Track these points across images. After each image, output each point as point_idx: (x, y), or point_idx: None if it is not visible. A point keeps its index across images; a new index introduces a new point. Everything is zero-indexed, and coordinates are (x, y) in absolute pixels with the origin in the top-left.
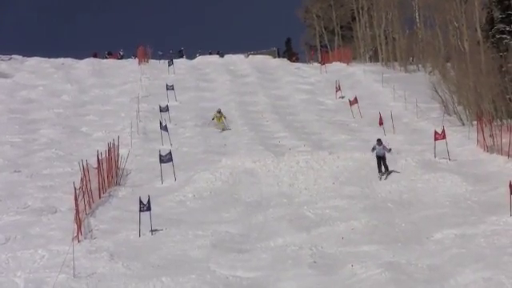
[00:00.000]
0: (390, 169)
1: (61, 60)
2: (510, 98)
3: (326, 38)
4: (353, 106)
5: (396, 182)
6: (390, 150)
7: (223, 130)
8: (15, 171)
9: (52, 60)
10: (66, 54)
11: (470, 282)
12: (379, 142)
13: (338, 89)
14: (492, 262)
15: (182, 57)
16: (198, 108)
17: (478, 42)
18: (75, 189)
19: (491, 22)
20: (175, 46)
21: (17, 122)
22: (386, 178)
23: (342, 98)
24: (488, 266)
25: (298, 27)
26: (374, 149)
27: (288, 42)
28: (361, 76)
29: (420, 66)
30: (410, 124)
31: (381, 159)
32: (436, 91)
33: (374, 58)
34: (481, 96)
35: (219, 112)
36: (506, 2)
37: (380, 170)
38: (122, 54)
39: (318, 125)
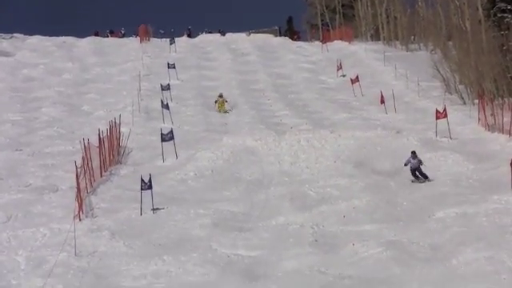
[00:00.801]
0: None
1: (62, 38)
2: (511, 77)
3: (327, 17)
4: (354, 85)
5: (397, 162)
6: (422, 162)
7: (225, 113)
8: (17, 150)
9: (53, 38)
10: (67, 32)
11: (471, 260)
12: (414, 154)
13: (340, 67)
14: (494, 240)
15: (189, 36)
16: (200, 86)
17: (480, 21)
18: (76, 167)
19: (492, 0)
20: (176, 25)
21: (18, 101)
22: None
23: (344, 76)
24: (490, 245)
25: (299, 6)
26: (408, 162)
27: (290, 20)
28: (362, 55)
29: (421, 44)
30: (411, 103)
31: (415, 171)
32: (437, 70)
33: (376, 37)
34: (482, 75)
35: (221, 96)
36: None
37: (415, 177)
38: (123, 32)
39: (320, 103)
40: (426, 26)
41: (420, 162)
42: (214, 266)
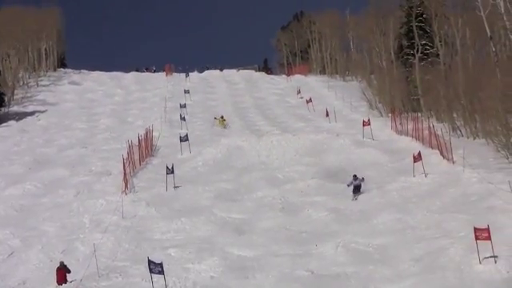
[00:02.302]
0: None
1: (114, 73)
2: (412, 99)
3: (290, 59)
4: (308, 104)
5: (337, 155)
6: (363, 178)
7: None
8: (83, 147)
9: (108, 73)
10: (117, 68)
11: (386, 220)
12: (355, 176)
13: (299, 92)
14: (401, 207)
15: (199, 72)
16: (206, 105)
17: (392, 61)
18: (123, 159)
19: (401, 48)
20: (188, 62)
21: (84, 114)
22: (357, 199)
23: (301, 98)
24: (398, 211)
25: (272, 51)
26: (351, 183)
27: (265, 61)
28: (314, 84)
29: (353, 77)
30: (346, 115)
31: (357, 187)
32: (364, 94)
33: (323, 72)
34: (393, 97)
35: (222, 117)
36: (411, 35)
37: (354, 193)
38: (154, 69)
39: (285, 116)
40: (356, 64)
41: (361, 179)
42: (215, 225)
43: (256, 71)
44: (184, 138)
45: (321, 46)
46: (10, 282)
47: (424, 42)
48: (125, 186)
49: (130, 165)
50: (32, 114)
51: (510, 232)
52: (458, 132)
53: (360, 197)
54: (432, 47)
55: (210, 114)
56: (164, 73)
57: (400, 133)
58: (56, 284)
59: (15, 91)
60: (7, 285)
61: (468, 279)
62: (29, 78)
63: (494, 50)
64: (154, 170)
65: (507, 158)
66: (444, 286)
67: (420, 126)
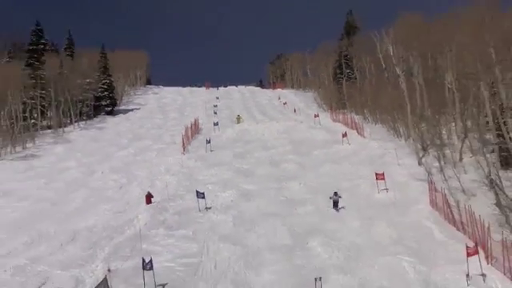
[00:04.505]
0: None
1: (176, 88)
2: (342, 102)
3: (274, 79)
4: (285, 105)
5: (300, 133)
6: (340, 197)
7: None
8: (160, 129)
9: (173, 88)
10: (179, 84)
11: (327, 169)
12: (336, 193)
13: (279, 98)
14: (335, 162)
15: (225, 86)
16: (227, 105)
17: (331, 81)
18: (182, 135)
19: (335, 74)
20: (217, 80)
21: (160, 112)
22: (338, 211)
23: (280, 101)
24: (334, 163)
25: (264, 74)
26: (332, 197)
27: (260, 80)
28: (287, 94)
29: (309, 90)
30: (305, 111)
31: (336, 202)
32: (315, 99)
33: (293, 87)
34: (332, 101)
35: (238, 116)
36: (341, 67)
37: (335, 207)
38: (199, 85)
39: (272, 112)
40: (310, 83)
41: (339, 196)
42: (233, 171)
43: (256, 86)
44: (216, 123)
45: (291, 72)
46: (121, 201)
47: (348, 70)
48: (183, 150)
49: (186, 138)
50: (132, 110)
51: (395, 176)
52: (367, 120)
53: (313, 156)
54: (352, 73)
55: (230, 111)
56: (204, 87)
57: (335, 121)
58: (145, 203)
59: (122, 98)
60: (119, 203)
61: (372, 200)
62: (130, 90)
63: (386, 75)
64: (200, 141)
65: (393, 135)
66: (358, 205)
67: (346, 117)
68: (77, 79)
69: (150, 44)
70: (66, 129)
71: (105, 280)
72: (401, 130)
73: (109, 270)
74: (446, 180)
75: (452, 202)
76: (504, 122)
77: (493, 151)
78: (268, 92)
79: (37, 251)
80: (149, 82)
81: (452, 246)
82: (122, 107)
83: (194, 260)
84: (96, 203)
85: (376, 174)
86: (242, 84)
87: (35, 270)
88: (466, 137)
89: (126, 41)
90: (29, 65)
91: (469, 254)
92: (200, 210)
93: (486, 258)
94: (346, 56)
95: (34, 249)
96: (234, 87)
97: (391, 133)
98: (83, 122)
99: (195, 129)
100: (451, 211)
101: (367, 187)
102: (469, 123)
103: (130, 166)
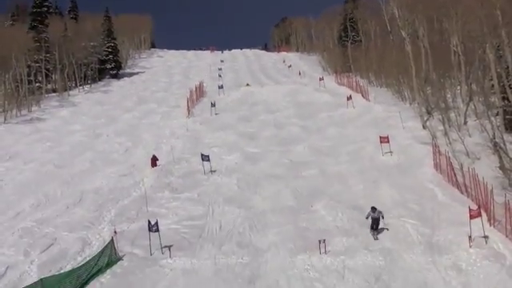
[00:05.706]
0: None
1: (181, 51)
2: (349, 66)
3: (279, 43)
4: (289, 68)
5: (305, 96)
6: (383, 216)
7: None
8: (165, 92)
9: (178, 51)
10: (183, 48)
11: (332, 132)
12: (374, 209)
13: (284, 61)
14: (340, 125)
15: (229, 50)
16: (232, 69)
17: (335, 44)
18: (187, 98)
19: (340, 37)
20: (223, 44)
21: (165, 75)
22: (376, 237)
23: (285, 65)
24: (338, 126)
25: (269, 38)
26: (369, 215)
27: (265, 44)
28: (292, 57)
29: (314, 53)
30: (310, 75)
31: (376, 220)
32: (320, 63)
33: (297, 50)
34: (337, 64)
35: (247, 84)
36: (346, 29)
37: (372, 228)
38: (203, 48)
39: (277, 75)
40: (315, 46)
41: (381, 215)
42: (238, 135)
43: (262, 49)
44: (220, 86)
45: (296, 36)
46: (126, 164)
47: (353, 33)
48: (188, 113)
49: (191, 101)
50: (137, 73)
51: (399, 139)
52: (372, 84)
53: (318, 119)
54: (358, 36)
55: (235, 74)
56: (209, 50)
57: (340, 84)
58: (151, 166)
59: (127, 61)
60: (124, 166)
61: (376, 163)
62: (134, 53)
63: (391, 38)
64: (205, 104)
65: (398, 99)
66: (363, 166)
67: (351, 80)
68: (81, 42)
69: (155, 7)
70: (70, 92)
71: (111, 242)
72: (405, 94)
73: (115, 232)
74: (450, 143)
75: (456, 165)
76: (509, 85)
77: (497, 114)
78: (273, 55)
79: (44, 213)
80: (153, 46)
81: (455, 209)
82: (127, 70)
83: (200, 222)
84: (102, 166)
85: (380, 137)
86: (247, 47)
87: (43, 232)
88: (470, 100)
89: (130, 5)
90: (32, 28)
91: (471, 217)
92: (205, 173)
93: (489, 220)
94: (352, 19)
95: (41, 211)
96: (238, 50)
97: (396, 96)
98: (88, 86)
99: (200, 92)
100: (455, 174)
101: (371, 150)
102: (474, 86)
103: (135, 129)
